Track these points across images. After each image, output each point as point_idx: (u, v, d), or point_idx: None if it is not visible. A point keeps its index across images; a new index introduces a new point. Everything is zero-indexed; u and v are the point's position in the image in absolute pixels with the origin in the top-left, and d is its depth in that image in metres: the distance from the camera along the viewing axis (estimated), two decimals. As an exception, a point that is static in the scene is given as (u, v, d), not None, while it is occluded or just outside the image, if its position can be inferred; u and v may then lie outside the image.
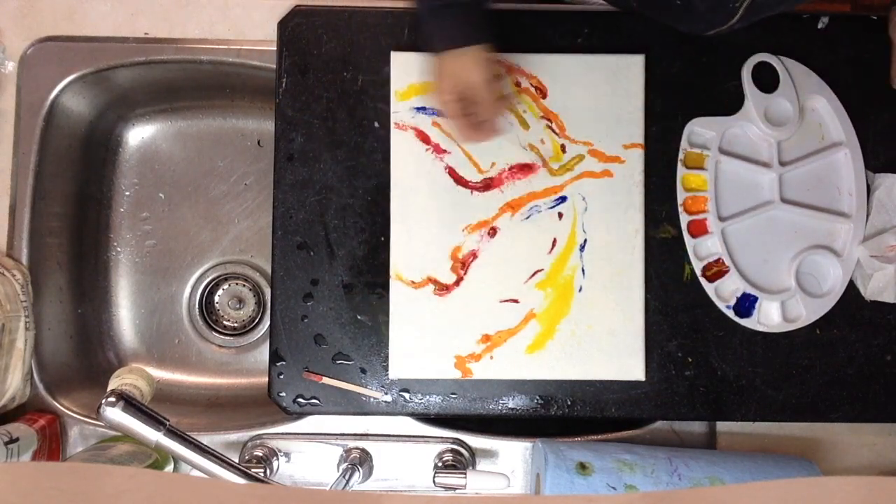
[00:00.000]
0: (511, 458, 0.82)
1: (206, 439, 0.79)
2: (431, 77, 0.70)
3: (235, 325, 1.03)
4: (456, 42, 0.67)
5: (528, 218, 0.80)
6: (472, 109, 0.70)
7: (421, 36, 0.69)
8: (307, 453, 0.81)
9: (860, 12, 0.83)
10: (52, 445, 0.81)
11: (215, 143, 1.01)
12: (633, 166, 0.81)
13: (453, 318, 0.79)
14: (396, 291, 0.80)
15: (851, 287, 0.81)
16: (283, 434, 0.82)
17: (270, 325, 0.81)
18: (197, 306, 1.02)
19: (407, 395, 0.80)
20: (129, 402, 0.55)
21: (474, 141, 0.73)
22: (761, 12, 0.64)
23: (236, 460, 0.77)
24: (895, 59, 0.80)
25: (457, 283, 0.80)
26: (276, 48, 0.82)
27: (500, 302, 0.80)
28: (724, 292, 0.81)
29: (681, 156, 0.81)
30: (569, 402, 0.80)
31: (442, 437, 0.82)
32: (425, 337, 0.79)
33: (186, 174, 1.01)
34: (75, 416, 0.83)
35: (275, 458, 0.81)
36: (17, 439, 0.75)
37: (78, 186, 0.94)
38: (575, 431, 0.82)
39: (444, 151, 0.81)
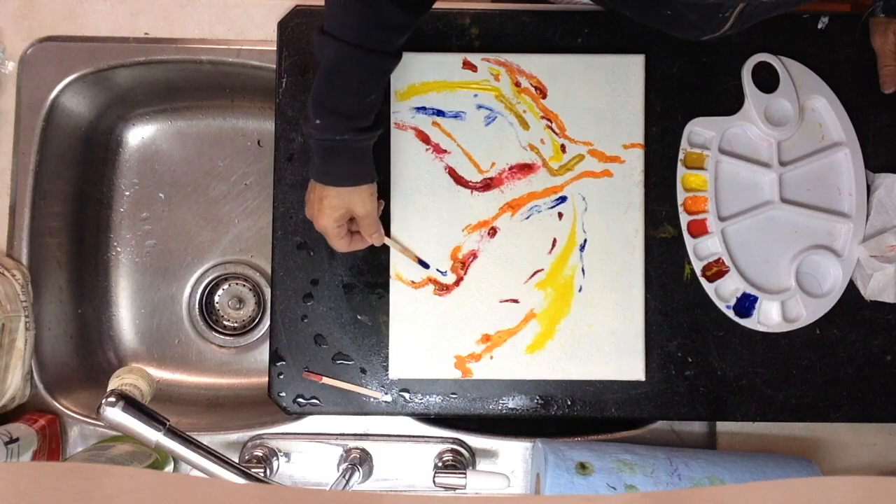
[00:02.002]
0: (511, 458, 0.82)
1: (206, 439, 0.79)
2: (312, 199, 0.73)
3: (235, 325, 1.03)
4: (349, 181, 0.71)
5: (528, 218, 0.80)
6: (349, 227, 0.75)
7: (312, 166, 0.72)
8: (307, 453, 0.81)
9: (860, 12, 0.83)
10: (52, 445, 0.81)
11: (215, 143, 1.01)
12: (633, 166, 0.81)
13: (453, 318, 0.79)
14: (396, 291, 0.80)
15: (851, 287, 0.81)
16: (283, 434, 0.82)
17: (270, 325, 0.81)
18: (197, 306, 1.02)
19: (407, 395, 0.80)
20: (129, 402, 0.55)
21: (351, 251, 0.77)
22: (752, 19, 0.65)
23: (236, 460, 0.77)
24: (881, 66, 0.81)
25: (457, 283, 0.80)
26: (276, 48, 0.82)
27: (500, 302, 0.80)
28: (724, 292, 0.81)
29: (681, 156, 0.81)
30: (569, 402, 0.80)
31: (442, 437, 0.82)
32: (425, 337, 0.79)
33: (186, 174, 1.01)
34: (75, 416, 0.83)
35: (275, 458, 0.81)
36: (17, 439, 0.75)
37: (78, 186, 0.94)
38: (575, 431, 0.82)
39: (444, 151, 0.81)
